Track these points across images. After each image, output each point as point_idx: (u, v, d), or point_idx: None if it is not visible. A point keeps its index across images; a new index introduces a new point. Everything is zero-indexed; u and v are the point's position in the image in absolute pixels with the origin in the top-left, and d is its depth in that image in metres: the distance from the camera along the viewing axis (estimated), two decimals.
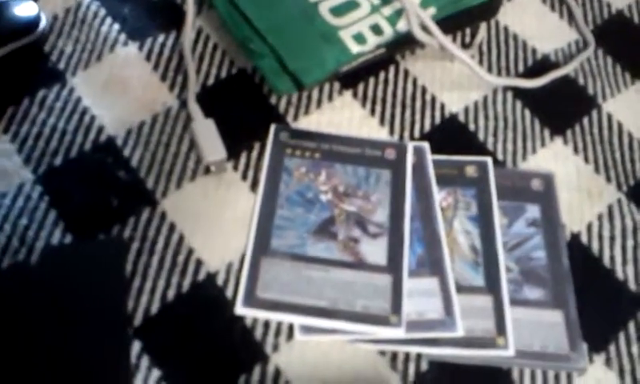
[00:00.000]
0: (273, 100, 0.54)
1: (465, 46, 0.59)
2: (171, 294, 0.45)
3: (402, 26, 0.53)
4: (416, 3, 0.53)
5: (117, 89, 0.53)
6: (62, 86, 0.52)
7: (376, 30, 0.53)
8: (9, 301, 0.43)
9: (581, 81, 0.58)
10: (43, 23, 0.53)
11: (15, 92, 0.52)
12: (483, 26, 0.60)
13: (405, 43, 0.55)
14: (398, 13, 0.53)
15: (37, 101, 0.51)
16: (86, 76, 0.53)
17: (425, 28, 0.53)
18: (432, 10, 0.54)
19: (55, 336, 0.42)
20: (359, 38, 0.52)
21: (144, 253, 0.46)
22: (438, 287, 0.46)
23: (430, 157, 0.52)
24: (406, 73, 0.57)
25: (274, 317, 0.44)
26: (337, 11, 0.53)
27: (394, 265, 0.46)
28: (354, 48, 0.52)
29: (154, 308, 0.44)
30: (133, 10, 0.57)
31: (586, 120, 0.56)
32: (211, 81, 0.54)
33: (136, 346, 0.43)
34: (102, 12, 0.57)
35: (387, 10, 0.54)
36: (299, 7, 0.53)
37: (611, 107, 0.57)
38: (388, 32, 0.53)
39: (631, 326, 0.46)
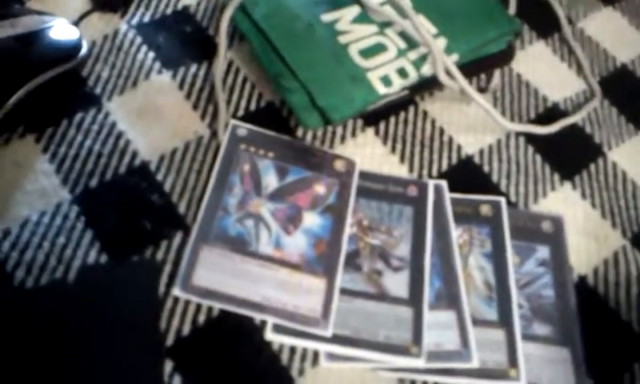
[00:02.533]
0: (299, 133, 0.56)
1: (480, 90, 0.62)
2: (202, 318, 0.47)
3: (425, 70, 0.56)
4: (441, 50, 0.56)
5: (151, 115, 0.55)
6: (99, 110, 0.54)
7: (402, 73, 0.56)
8: (46, 317, 0.45)
9: (588, 129, 0.62)
10: (84, 49, 0.55)
11: (54, 113, 0.53)
12: (497, 73, 0.63)
13: (426, 86, 0.58)
14: (423, 58, 0.56)
15: (74, 123, 0.53)
16: (122, 101, 0.55)
17: (448, 73, 0.56)
18: (455, 57, 0.57)
19: (90, 351, 0.44)
20: (386, 81, 0.55)
21: (176, 276, 0.48)
22: (455, 320, 0.49)
23: (447, 195, 0.54)
24: (425, 114, 0.60)
25: (301, 343, 0.46)
26: (365, 53, 0.56)
27: (415, 298, 0.49)
28: (381, 90, 0.54)
29: (186, 330, 0.46)
30: (167, 40, 0.59)
31: (592, 167, 0.59)
32: (241, 113, 0.56)
33: (168, 366, 0.44)
34: (138, 40, 0.59)
35: (413, 55, 0.56)
36: (330, 47, 0.56)
37: (616, 156, 0.60)
38: (413, 75, 0.56)
39: (636, 367, 0.49)
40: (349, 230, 0.51)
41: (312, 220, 0.51)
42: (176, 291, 0.47)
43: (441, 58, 0.55)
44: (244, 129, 0.54)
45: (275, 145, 0.54)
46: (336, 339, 0.46)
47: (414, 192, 0.54)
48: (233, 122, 0.55)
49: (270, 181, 0.52)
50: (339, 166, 0.54)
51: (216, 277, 0.47)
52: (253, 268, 0.48)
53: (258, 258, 0.49)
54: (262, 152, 0.53)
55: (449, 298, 0.49)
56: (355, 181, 0.53)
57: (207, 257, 0.48)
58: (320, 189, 0.52)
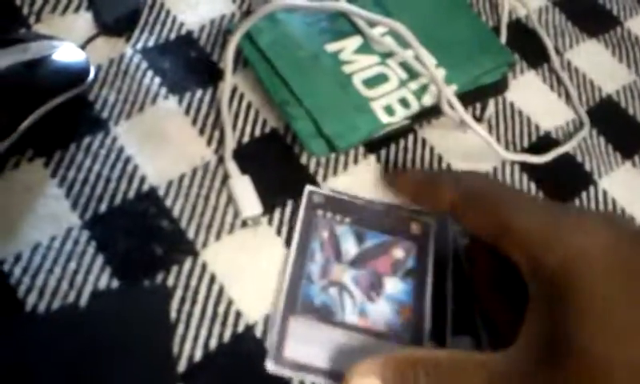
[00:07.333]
0: (303, 160, 0.57)
1: (476, 119, 0.64)
2: (213, 343, 0.47)
3: (426, 100, 0.58)
4: (442, 81, 0.58)
5: (158, 140, 0.55)
6: (106, 135, 0.55)
7: (404, 103, 0.57)
8: (59, 342, 0.45)
9: (579, 158, 0.64)
10: (92, 74, 0.55)
11: (62, 137, 0.54)
12: (492, 101, 0.65)
13: (426, 115, 0.59)
14: (423, 88, 0.58)
15: (82, 147, 0.54)
16: (129, 126, 0.56)
17: (448, 103, 0.58)
18: (454, 87, 0.59)
19: (103, 376, 0.44)
20: (389, 110, 0.56)
21: (187, 301, 0.48)
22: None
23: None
24: (424, 141, 0.61)
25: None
26: (368, 83, 0.58)
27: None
28: (384, 119, 0.56)
29: (198, 355, 0.47)
30: (172, 65, 0.60)
31: (584, 195, 0.62)
32: (246, 138, 0.57)
33: None
34: (144, 65, 0.59)
35: (413, 85, 0.58)
36: (335, 77, 0.57)
37: (606, 184, 0.63)
38: (414, 105, 0.57)
39: None
40: (431, 295, 0.52)
41: (394, 286, 0.51)
42: (269, 366, 0.47)
43: (444, 88, 0.57)
44: (319, 195, 0.55)
45: (351, 209, 0.55)
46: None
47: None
48: (308, 187, 0.55)
49: (350, 247, 0.53)
50: (414, 228, 0.55)
51: (306, 348, 0.48)
52: (340, 338, 0.48)
53: (345, 328, 0.49)
54: (339, 218, 0.54)
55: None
56: (432, 244, 0.54)
57: (296, 328, 0.48)
58: (398, 253, 0.53)
